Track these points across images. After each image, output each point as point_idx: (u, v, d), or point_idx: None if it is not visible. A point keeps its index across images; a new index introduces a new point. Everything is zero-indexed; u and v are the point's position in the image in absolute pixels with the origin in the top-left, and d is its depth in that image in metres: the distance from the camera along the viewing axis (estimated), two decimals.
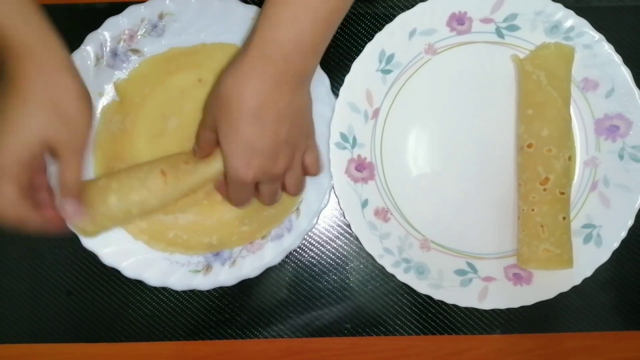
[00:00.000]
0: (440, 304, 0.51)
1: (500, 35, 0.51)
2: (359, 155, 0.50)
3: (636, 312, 0.52)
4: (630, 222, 0.49)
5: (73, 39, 0.51)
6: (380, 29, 0.50)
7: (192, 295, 0.52)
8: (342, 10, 0.41)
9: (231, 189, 0.44)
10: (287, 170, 0.44)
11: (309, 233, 0.52)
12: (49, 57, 0.40)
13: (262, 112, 0.41)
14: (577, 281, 0.49)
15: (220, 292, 0.52)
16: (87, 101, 0.42)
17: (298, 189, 0.47)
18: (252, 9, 0.51)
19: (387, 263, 0.49)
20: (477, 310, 0.51)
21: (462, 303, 0.49)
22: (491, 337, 0.52)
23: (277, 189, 0.45)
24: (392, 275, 0.49)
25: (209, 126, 0.44)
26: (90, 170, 0.51)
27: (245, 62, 0.40)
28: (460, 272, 0.50)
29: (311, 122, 0.47)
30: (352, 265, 0.52)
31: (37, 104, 0.40)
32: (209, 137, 0.44)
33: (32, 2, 0.40)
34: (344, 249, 0.52)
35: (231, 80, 0.41)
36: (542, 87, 0.48)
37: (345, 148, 0.50)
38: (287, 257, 0.51)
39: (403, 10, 0.50)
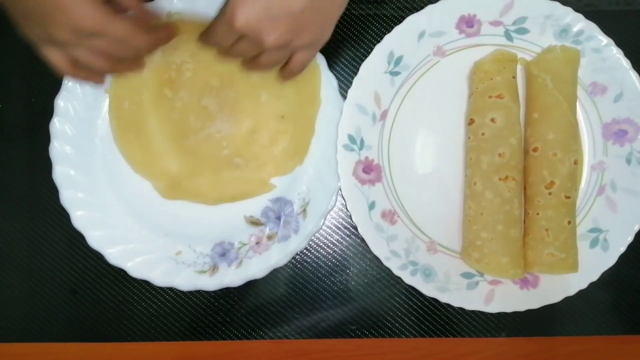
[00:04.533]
0: (447, 306, 0.51)
1: (509, 38, 0.51)
2: (366, 157, 0.51)
3: None
4: (637, 227, 0.52)
5: None
6: (389, 31, 0.51)
7: (198, 295, 0.54)
8: None
9: (217, 27, 0.42)
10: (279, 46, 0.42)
11: (316, 235, 0.52)
12: None
13: None
14: (584, 285, 0.50)
15: (226, 293, 0.54)
16: None
17: (264, 69, 0.45)
18: None
19: (394, 266, 0.50)
20: (482, 313, 0.52)
21: (469, 306, 0.50)
22: (496, 340, 0.53)
23: (243, 58, 0.43)
24: (399, 278, 0.50)
25: None
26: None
27: None
28: (466, 275, 0.50)
29: (330, 28, 0.44)
30: (358, 267, 0.52)
31: None
32: None
33: None
34: (350, 250, 0.52)
35: None
36: (547, 90, 0.49)
37: (352, 150, 0.50)
38: (293, 258, 0.52)
39: (412, 12, 0.51)
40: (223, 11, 0.41)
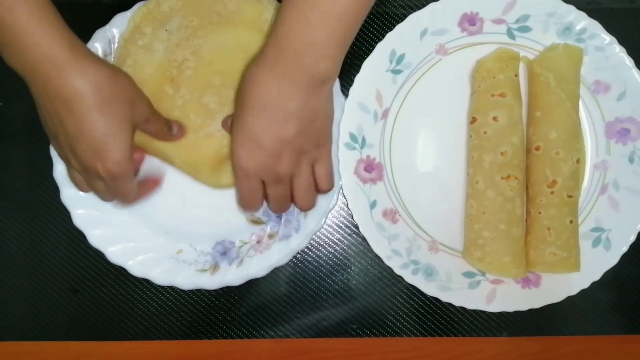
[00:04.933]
0: (448, 306, 0.51)
1: (512, 37, 0.51)
2: (368, 156, 0.50)
3: None
4: (639, 226, 0.50)
5: (81, 35, 0.51)
6: (391, 29, 0.51)
7: (199, 294, 0.54)
8: (355, 14, 0.41)
9: (237, 179, 0.46)
10: (294, 176, 0.46)
11: (317, 233, 0.52)
12: (76, 56, 0.41)
13: (271, 109, 0.42)
14: (586, 285, 0.51)
15: (227, 292, 0.54)
16: (121, 71, 0.47)
17: (307, 201, 0.48)
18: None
19: (396, 265, 0.50)
20: (484, 312, 0.52)
21: (470, 305, 0.50)
22: (497, 340, 0.53)
23: (285, 195, 0.47)
24: (400, 277, 0.50)
25: None
26: None
27: (264, 57, 0.43)
28: (468, 275, 0.50)
29: (327, 132, 0.48)
30: (359, 266, 0.52)
31: (104, 104, 0.42)
32: None
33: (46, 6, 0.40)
34: (351, 249, 0.52)
35: (250, 73, 0.43)
36: (550, 89, 0.49)
37: (354, 149, 0.50)
38: (294, 257, 0.53)
39: (414, 10, 0.51)
40: (232, 163, 0.46)
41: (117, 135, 0.43)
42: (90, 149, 0.42)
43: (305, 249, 0.54)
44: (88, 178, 0.46)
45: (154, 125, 0.48)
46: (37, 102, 0.43)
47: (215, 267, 0.52)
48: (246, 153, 0.43)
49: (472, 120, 0.50)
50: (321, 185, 0.48)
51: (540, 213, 0.49)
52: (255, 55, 0.44)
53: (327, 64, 0.42)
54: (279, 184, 0.46)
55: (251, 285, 0.53)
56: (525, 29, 0.52)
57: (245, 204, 0.47)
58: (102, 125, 0.42)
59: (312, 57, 0.41)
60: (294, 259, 0.53)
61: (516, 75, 0.50)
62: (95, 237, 0.51)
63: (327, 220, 0.53)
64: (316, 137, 0.46)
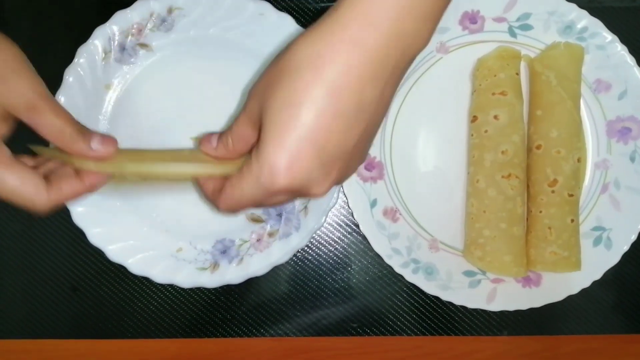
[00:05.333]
0: (448, 304, 0.51)
1: (513, 35, 0.51)
2: (368, 155, 0.50)
3: None
4: None
5: (81, 32, 0.52)
6: None
7: (199, 292, 0.54)
8: None
9: (245, 189, 0.33)
10: None
11: (317, 232, 0.52)
12: None
13: (341, 96, 0.29)
14: (586, 284, 0.51)
15: (227, 290, 0.54)
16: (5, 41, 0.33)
17: None
18: (263, 5, 0.50)
19: (396, 263, 0.50)
20: (484, 311, 0.52)
21: (471, 304, 0.50)
22: (498, 339, 0.53)
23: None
24: (400, 276, 0.50)
25: (250, 117, 0.33)
26: None
27: (336, 23, 0.29)
28: (469, 274, 0.50)
29: (370, 145, 0.35)
30: (359, 264, 0.52)
31: None
32: (245, 134, 0.34)
33: None
34: (351, 248, 0.52)
35: (310, 46, 0.29)
36: (551, 87, 0.49)
37: None
38: (294, 255, 0.53)
39: None
40: (257, 169, 0.31)
41: None
42: None
43: (306, 248, 0.54)
44: None
45: (47, 121, 0.35)
46: None
47: (215, 265, 0.52)
48: (287, 162, 0.30)
49: (473, 119, 0.50)
50: None
51: (541, 212, 0.49)
52: (310, 28, 0.30)
53: (429, 33, 0.30)
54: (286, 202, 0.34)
55: (251, 283, 0.53)
56: (526, 27, 0.52)
57: (229, 213, 0.36)
58: None
59: (413, 22, 0.29)
60: (294, 258, 0.53)
61: (517, 74, 0.50)
62: (95, 235, 0.51)
63: (327, 219, 0.52)
64: (365, 155, 0.34)
